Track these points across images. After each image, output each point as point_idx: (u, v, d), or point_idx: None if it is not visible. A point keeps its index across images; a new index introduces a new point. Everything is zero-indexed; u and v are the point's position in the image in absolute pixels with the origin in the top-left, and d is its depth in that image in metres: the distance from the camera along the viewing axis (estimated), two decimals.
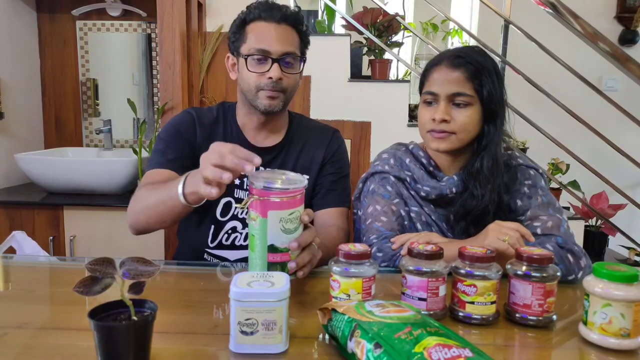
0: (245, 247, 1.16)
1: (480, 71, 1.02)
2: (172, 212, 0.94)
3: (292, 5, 2.45)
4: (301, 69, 1.16)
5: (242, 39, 1.12)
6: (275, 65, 1.08)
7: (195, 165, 1.14)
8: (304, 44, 1.17)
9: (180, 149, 1.13)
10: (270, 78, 1.08)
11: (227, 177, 0.75)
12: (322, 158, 1.21)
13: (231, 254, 1.18)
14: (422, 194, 1.10)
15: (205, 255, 1.19)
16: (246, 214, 1.14)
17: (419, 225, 1.10)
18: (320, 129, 1.27)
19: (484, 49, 1.11)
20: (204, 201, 0.88)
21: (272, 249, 0.76)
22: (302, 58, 1.15)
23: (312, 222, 0.83)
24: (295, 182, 0.76)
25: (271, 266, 0.76)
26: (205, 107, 1.23)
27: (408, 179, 1.12)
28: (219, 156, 0.77)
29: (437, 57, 1.08)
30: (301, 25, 1.14)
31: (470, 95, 1.02)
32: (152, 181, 1.05)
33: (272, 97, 1.10)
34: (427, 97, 1.06)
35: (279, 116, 1.19)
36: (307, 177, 1.17)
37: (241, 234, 1.17)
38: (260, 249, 0.76)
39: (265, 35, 1.09)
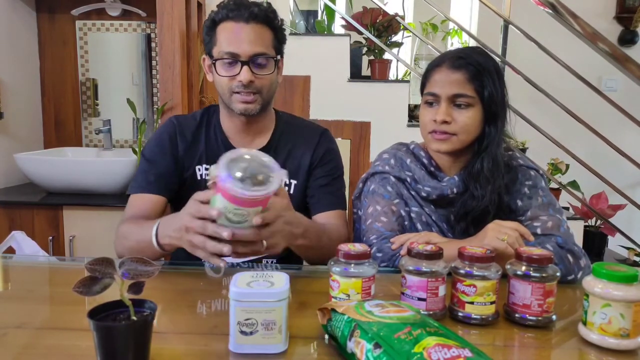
0: None
1: (481, 72, 1.02)
2: (151, 255, 0.93)
3: (291, 5, 2.45)
4: (277, 67, 1.11)
5: (213, 41, 1.08)
6: (245, 67, 1.04)
7: (180, 178, 1.13)
8: (279, 40, 1.11)
9: (162, 167, 1.12)
10: (241, 81, 1.05)
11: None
12: (309, 162, 1.17)
13: (228, 257, 1.17)
14: (423, 194, 1.10)
15: (202, 260, 1.18)
16: None
17: (419, 226, 1.10)
18: (308, 130, 1.22)
19: (485, 50, 1.11)
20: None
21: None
22: (276, 57, 1.09)
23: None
24: (258, 190, 0.69)
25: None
26: (189, 114, 1.21)
27: (409, 180, 1.12)
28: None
29: (439, 58, 1.08)
30: (274, 21, 1.08)
31: (471, 97, 1.02)
32: (134, 213, 1.08)
33: (246, 101, 1.07)
34: (428, 98, 1.06)
35: (262, 118, 1.15)
36: (286, 182, 1.14)
37: None
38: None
39: (233, 37, 1.04)
